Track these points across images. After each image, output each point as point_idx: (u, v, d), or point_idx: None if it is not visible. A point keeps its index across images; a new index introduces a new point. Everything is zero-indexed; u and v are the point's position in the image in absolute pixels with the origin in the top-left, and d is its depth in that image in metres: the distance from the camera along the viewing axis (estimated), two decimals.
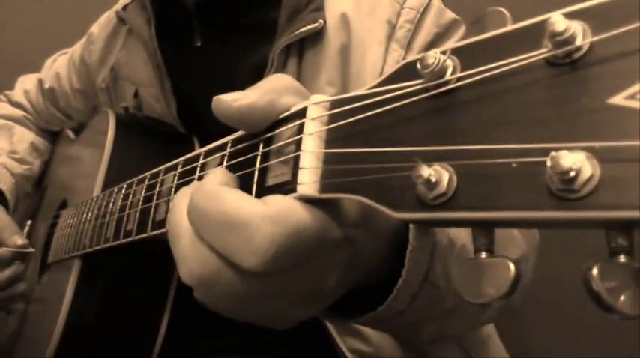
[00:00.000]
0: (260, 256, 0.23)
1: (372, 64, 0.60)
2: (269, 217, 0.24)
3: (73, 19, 0.96)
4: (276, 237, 0.23)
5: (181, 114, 0.71)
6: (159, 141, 0.70)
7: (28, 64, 0.95)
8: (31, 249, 0.73)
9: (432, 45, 0.60)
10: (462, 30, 0.62)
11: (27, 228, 0.86)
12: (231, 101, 0.28)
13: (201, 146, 0.70)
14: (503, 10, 0.23)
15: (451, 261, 0.35)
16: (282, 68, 0.62)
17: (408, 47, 0.60)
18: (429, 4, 0.61)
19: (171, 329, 0.61)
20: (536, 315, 0.95)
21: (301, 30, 0.59)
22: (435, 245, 0.34)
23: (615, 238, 0.18)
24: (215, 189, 0.26)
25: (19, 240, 0.70)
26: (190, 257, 0.26)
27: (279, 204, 0.24)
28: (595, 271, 0.18)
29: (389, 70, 0.61)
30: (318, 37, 0.61)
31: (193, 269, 0.26)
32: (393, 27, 0.60)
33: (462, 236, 0.36)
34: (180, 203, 0.28)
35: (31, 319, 0.72)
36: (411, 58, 0.61)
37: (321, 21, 0.59)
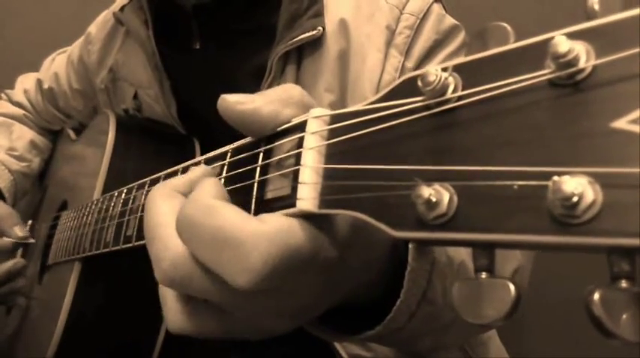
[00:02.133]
0: (253, 275, 0.23)
1: (371, 70, 0.59)
2: (266, 237, 0.23)
3: (73, 18, 0.95)
4: (272, 256, 0.23)
5: (181, 115, 0.71)
6: (159, 143, 0.70)
7: (28, 63, 0.95)
8: (32, 240, 0.73)
9: (431, 51, 0.60)
10: (461, 36, 0.62)
11: (27, 228, 0.86)
12: (235, 103, 0.28)
13: (202, 147, 0.71)
14: (505, 25, 0.23)
15: (450, 278, 0.35)
16: (280, 74, 0.61)
17: (407, 53, 0.59)
18: (428, 9, 0.61)
19: None
20: (536, 316, 0.95)
21: (300, 37, 0.59)
22: (433, 263, 0.34)
23: (617, 263, 0.18)
24: (211, 204, 0.25)
25: (20, 232, 0.70)
26: (164, 257, 0.26)
27: (276, 224, 0.24)
28: (597, 296, 0.18)
29: (388, 77, 0.61)
30: (317, 43, 0.61)
31: (163, 269, 0.26)
32: (392, 33, 0.60)
33: (461, 253, 0.36)
34: (160, 205, 0.28)
35: (31, 320, 0.73)
36: (409, 64, 0.61)
37: (320, 28, 0.59)
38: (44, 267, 0.74)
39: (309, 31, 0.59)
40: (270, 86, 0.62)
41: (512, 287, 0.20)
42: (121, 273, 0.61)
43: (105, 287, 0.62)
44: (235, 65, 0.66)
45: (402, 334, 0.35)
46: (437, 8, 0.62)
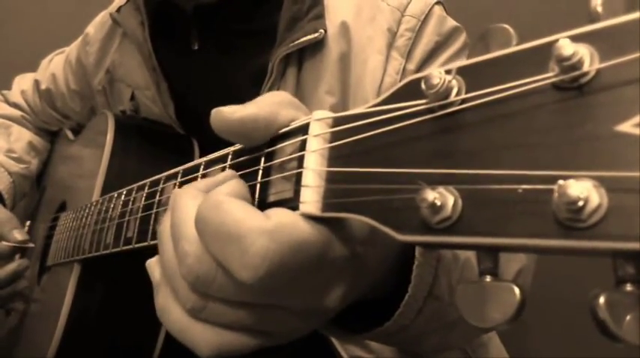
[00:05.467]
0: (252, 271, 0.23)
1: (372, 73, 0.59)
2: (267, 232, 0.23)
3: (71, 18, 0.95)
4: (270, 252, 0.23)
5: (179, 116, 0.71)
6: (158, 143, 0.70)
7: (26, 64, 0.95)
8: (31, 245, 0.73)
9: (432, 53, 0.60)
10: (463, 37, 0.62)
11: (26, 229, 0.86)
12: (231, 112, 0.27)
13: (200, 148, 0.71)
14: (507, 26, 0.23)
15: (455, 274, 0.35)
16: (281, 77, 0.61)
17: (408, 56, 0.59)
18: (430, 11, 0.60)
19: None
20: (537, 316, 0.95)
21: (301, 40, 0.59)
22: (439, 259, 0.34)
23: (623, 266, 0.18)
24: (219, 199, 0.25)
25: (19, 235, 0.70)
26: (191, 254, 0.26)
27: (280, 219, 0.24)
28: (602, 300, 0.18)
29: (389, 79, 0.61)
30: (318, 45, 0.60)
31: (190, 266, 0.25)
32: (393, 35, 0.60)
33: None
34: (188, 203, 0.28)
35: (30, 321, 0.72)
36: (411, 67, 0.61)
37: (322, 31, 0.59)
38: (43, 268, 0.74)
39: (310, 34, 0.59)
40: (270, 89, 0.61)
41: (517, 290, 0.20)
42: (121, 274, 0.61)
43: (104, 288, 0.62)
44: (235, 67, 0.66)
45: (409, 331, 0.35)
46: (438, 10, 0.61)
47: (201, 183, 0.30)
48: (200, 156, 0.68)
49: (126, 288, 0.62)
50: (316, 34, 0.58)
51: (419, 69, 0.60)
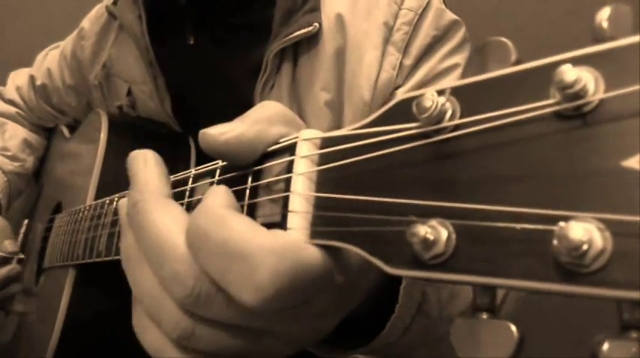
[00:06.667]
0: (260, 292, 0.21)
1: (368, 69, 0.57)
2: (276, 251, 0.22)
3: (68, 14, 0.93)
4: (281, 273, 0.21)
5: (176, 111, 0.70)
6: (152, 143, 0.68)
7: (23, 60, 0.93)
8: (21, 255, 0.73)
9: (430, 48, 0.58)
10: (462, 31, 0.60)
11: (24, 228, 0.85)
12: (218, 134, 0.26)
13: (197, 145, 0.69)
14: (506, 40, 0.21)
15: (444, 291, 0.34)
16: (276, 72, 0.60)
17: (405, 50, 0.57)
18: (427, 4, 0.58)
19: None
20: (536, 316, 0.94)
21: (296, 33, 0.57)
22: None
23: (629, 311, 0.16)
24: (221, 214, 0.23)
25: (10, 246, 0.70)
26: (187, 273, 0.23)
27: (287, 239, 0.23)
28: (606, 347, 0.16)
29: (385, 75, 0.59)
30: (313, 39, 0.59)
31: (189, 285, 0.23)
32: (390, 29, 0.58)
33: None
34: (161, 217, 0.25)
35: (29, 322, 0.72)
36: (407, 62, 0.58)
37: (316, 24, 0.57)
38: (40, 269, 0.73)
39: (304, 27, 0.57)
40: (265, 84, 0.60)
41: (514, 329, 0.19)
42: (116, 277, 0.60)
43: (100, 291, 0.61)
44: (230, 61, 0.65)
45: (397, 347, 0.34)
46: (436, 3, 0.59)
47: (156, 185, 0.27)
48: (196, 154, 0.67)
49: (121, 291, 0.61)
50: (310, 28, 0.57)
51: (416, 64, 0.58)
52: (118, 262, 0.49)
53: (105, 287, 0.60)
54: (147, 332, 0.26)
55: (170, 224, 0.25)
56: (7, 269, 0.68)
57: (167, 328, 0.25)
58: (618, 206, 0.15)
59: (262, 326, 0.25)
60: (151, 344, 0.26)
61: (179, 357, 0.25)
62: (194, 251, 0.24)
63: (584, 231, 0.15)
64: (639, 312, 0.16)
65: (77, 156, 0.74)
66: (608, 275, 0.15)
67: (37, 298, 0.71)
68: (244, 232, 0.22)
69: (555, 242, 0.16)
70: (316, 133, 0.25)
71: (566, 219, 0.16)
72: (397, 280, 0.32)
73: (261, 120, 0.27)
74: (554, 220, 0.16)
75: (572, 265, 0.16)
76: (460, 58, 0.58)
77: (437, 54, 0.58)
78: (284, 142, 0.26)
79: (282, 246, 0.22)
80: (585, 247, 0.15)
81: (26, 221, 0.86)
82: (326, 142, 0.24)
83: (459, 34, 0.59)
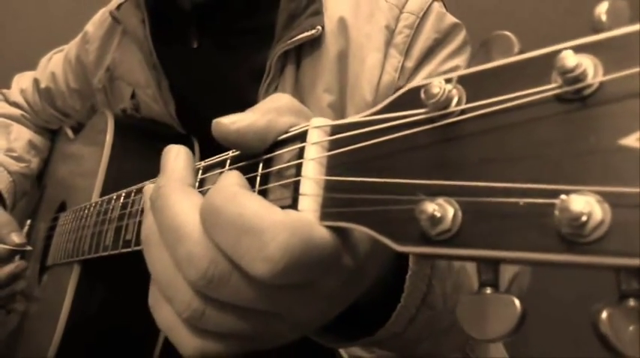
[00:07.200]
0: (271, 264, 0.22)
1: (370, 71, 0.59)
2: (288, 227, 0.22)
3: (71, 16, 0.94)
4: (291, 247, 0.22)
5: (180, 114, 0.70)
6: (157, 143, 0.69)
7: (27, 63, 0.94)
8: (29, 248, 0.73)
9: (431, 50, 0.59)
10: (462, 34, 0.61)
11: (26, 228, 0.86)
12: (230, 123, 0.27)
13: (201, 146, 0.70)
14: (509, 34, 0.22)
15: (450, 282, 0.35)
16: (280, 75, 0.61)
17: (406, 53, 0.59)
18: (428, 8, 0.60)
19: None
20: (536, 315, 0.95)
21: (299, 36, 0.58)
22: (433, 267, 0.34)
23: (626, 281, 0.17)
24: (235, 191, 0.24)
25: (17, 239, 0.70)
26: (201, 255, 0.24)
27: (299, 216, 0.23)
28: (604, 315, 0.17)
29: (387, 77, 0.60)
30: (316, 42, 0.60)
31: (203, 267, 0.24)
32: (391, 32, 0.59)
33: None
34: (181, 201, 0.26)
35: (31, 320, 0.72)
36: (409, 64, 0.59)
37: (319, 27, 0.58)
38: (43, 267, 0.74)
39: (308, 31, 0.58)
40: (269, 86, 0.61)
41: (517, 303, 0.20)
42: (121, 274, 0.61)
43: (104, 288, 0.62)
44: (234, 65, 0.66)
45: (402, 339, 0.34)
46: (437, 6, 0.61)
47: (181, 173, 0.28)
48: (200, 156, 0.68)
49: (126, 288, 0.62)
50: (313, 31, 0.58)
51: (418, 66, 0.59)
52: (123, 257, 0.49)
53: (109, 283, 0.61)
54: (160, 310, 0.27)
55: (188, 208, 0.26)
56: (13, 266, 0.68)
57: (179, 308, 0.26)
58: (617, 180, 0.17)
59: (270, 308, 0.25)
60: (163, 322, 0.27)
61: (188, 336, 0.26)
62: (207, 227, 0.24)
63: (584, 203, 0.17)
64: (636, 281, 0.17)
65: (83, 157, 0.75)
66: (607, 244, 0.16)
67: (40, 296, 0.72)
68: (257, 208, 0.23)
69: (557, 214, 0.17)
70: (326, 121, 0.26)
71: (567, 192, 0.17)
72: (402, 273, 0.33)
73: (271, 110, 0.28)
74: (556, 194, 0.17)
75: (573, 235, 0.17)
76: (461, 61, 0.59)
77: (438, 56, 0.59)
78: (295, 131, 0.27)
79: (294, 222, 0.23)
80: (585, 218, 0.16)
81: (29, 221, 0.87)
82: (336, 129, 0.25)
83: (460, 37, 0.60)
